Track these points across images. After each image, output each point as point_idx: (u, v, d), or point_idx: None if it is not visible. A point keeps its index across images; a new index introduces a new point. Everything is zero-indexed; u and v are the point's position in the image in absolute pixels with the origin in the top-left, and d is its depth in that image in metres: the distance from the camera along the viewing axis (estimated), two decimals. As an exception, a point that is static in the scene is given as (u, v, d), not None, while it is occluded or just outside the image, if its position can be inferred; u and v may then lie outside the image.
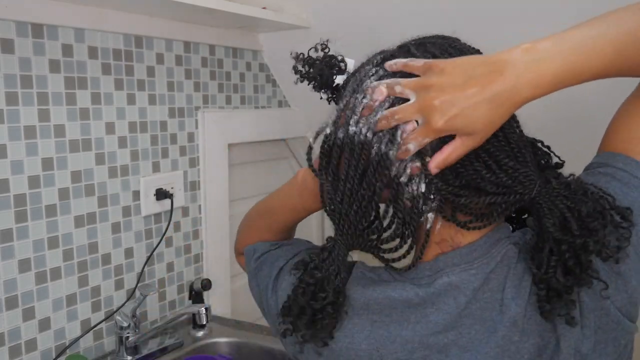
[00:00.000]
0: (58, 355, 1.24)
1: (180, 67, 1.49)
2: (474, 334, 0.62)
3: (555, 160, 0.68)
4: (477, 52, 0.65)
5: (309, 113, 1.86)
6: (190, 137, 1.53)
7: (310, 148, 0.71)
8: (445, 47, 0.64)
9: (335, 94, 0.73)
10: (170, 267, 1.51)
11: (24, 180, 1.16)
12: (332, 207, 0.65)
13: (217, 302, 1.63)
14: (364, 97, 0.63)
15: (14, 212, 1.14)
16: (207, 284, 1.51)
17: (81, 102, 1.25)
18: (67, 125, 1.22)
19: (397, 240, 0.64)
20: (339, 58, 0.71)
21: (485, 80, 0.56)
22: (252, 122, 1.72)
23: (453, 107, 0.56)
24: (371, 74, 0.65)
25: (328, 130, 0.66)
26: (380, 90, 0.61)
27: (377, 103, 0.62)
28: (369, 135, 0.61)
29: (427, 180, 0.61)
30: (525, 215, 0.69)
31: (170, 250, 1.50)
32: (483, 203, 0.60)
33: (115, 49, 1.31)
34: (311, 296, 0.64)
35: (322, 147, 0.67)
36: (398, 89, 0.60)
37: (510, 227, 0.68)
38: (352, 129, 0.63)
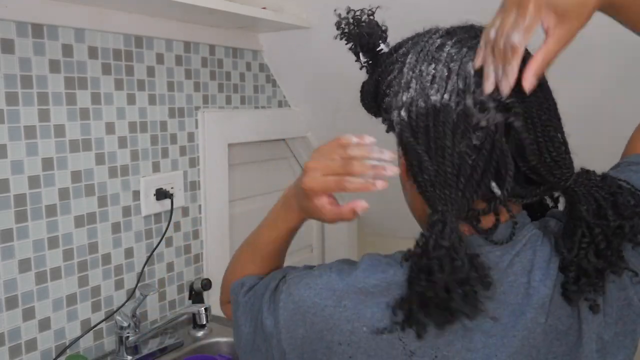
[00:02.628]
0: (58, 355, 1.24)
1: (180, 67, 1.49)
2: (498, 318, 0.62)
3: None
4: None
5: (309, 113, 1.86)
6: (190, 137, 1.53)
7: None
8: None
9: (373, 60, 0.72)
10: (170, 267, 1.51)
11: (24, 180, 1.16)
12: (428, 176, 0.62)
13: (217, 302, 1.62)
14: (437, 66, 0.62)
15: (14, 212, 1.14)
16: (207, 284, 1.51)
17: (81, 102, 1.25)
18: (67, 125, 1.22)
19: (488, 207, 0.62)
20: (384, 27, 0.71)
21: None
22: (252, 122, 1.72)
23: None
24: (437, 43, 0.64)
25: (402, 103, 0.64)
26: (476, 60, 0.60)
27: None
28: (453, 97, 0.60)
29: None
30: (551, 205, 0.71)
31: (170, 250, 1.50)
32: (530, 197, 0.61)
33: (115, 49, 1.31)
34: (450, 269, 0.57)
35: (404, 120, 0.63)
36: (492, 32, 0.58)
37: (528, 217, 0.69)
38: (433, 97, 0.61)
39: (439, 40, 0.64)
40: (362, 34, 0.70)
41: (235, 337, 0.79)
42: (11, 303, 1.15)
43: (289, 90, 1.85)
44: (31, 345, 1.20)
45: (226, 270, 0.90)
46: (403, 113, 0.63)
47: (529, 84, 0.56)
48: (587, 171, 0.62)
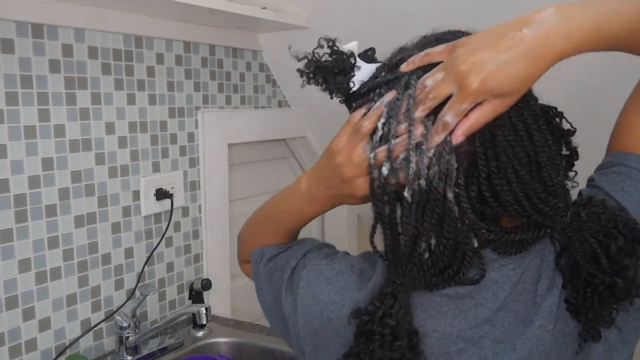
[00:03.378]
0: (58, 355, 1.24)
1: (180, 67, 1.49)
2: (508, 326, 0.62)
3: (567, 126, 0.67)
4: None
5: (309, 113, 1.86)
6: (190, 137, 1.53)
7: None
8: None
9: (347, 98, 0.69)
10: (170, 267, 1.51)
11: (24, 180, 1.16)
12: (393, 252, 0.62)
13: (217, 302, 1.63)
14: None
15: (14, 212, 1.14)
16: (207, 284, 1.51)
17: (81, 102, 1.25)
18: (67, 125, 1.22)
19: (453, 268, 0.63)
20: (348, 53, 0.66)
21: (517, 37, 0.54)
22: (252, 122, 1.72)
23: (488, 65, 0.54)
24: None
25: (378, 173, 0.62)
26: (403, 65, 0.61)
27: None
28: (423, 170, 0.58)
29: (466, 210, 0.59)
30: None
31: (170, 250, 1.50)
32: (513, 239, 0.61)
33: (115, 49, 1.31)
34: (389, 346, 0.61)
35: (377, 195, 0.62)
36: (429, 82, 0.58)
37: None
38: (385, 170, 0.60)
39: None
40: (328, 78, 0.66)
41: (260, 302, 0.82)
42: (11, 303, 1.15)
43: (289, 90, 1.85)
44: (31, 345, 1.19)
45: (244, 229, 0.93)
46: (384, 171, 0.61)
47: (457, 140, 0.57)
48: (578, 211, 0.61)
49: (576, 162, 0.68)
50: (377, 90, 0.64)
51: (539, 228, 0.61)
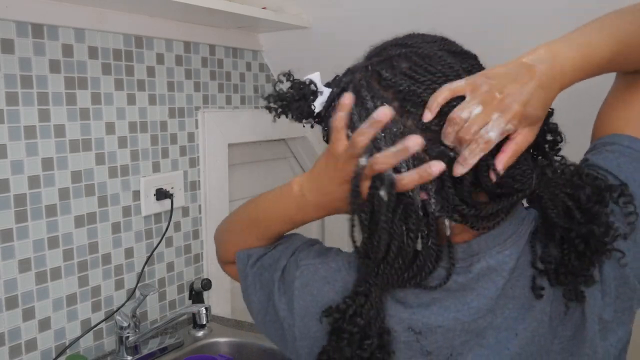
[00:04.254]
0: (58, 355, 1.24)
1: (180, 67, 1.49)
2: (508, 313, 0.63)
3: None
4: (442, 41, 0.65)
5: (309, 113, 1.86)
6: (190, 137, 1.53)
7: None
8: (409, 56, 0.63)
9: (316, 119, 0.71)
10: (170, 267, 1.51)
11: (24, 180, 1.16)
12: (368, 252, 0.62)
13: (217, 302, 1.63)
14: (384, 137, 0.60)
15: (14, 212, 1.14)
16: (207, 284, 1.51)
17: (81, 102, 1.25)
18: (67, 125, 1.22)
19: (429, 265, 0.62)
20: (307, 82, 0.69)
21: (529, 73, 0.58)
22: (252, 122, 1.72)
23: (520, 95, 0.57)
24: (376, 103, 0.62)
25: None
26: (427, 113, 0.59)
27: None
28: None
29: (440, 200, 0.59)
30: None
31: (170, 250, 1.50)
32: (488, 211, 0.60)
33: (115, 49, 1.31)
34: (358, 345, 0.62)
35: (355, 193, 0.61)
36: (464, 114, 0.57)
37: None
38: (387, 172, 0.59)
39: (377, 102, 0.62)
40: (291, 106, 0.68)
41: (247, 305, 0.82)
42: (11, 303, 1.15)
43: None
44: (31, 345, 1.20)
45: (224, 229, 0.90)
46: (362, 161, 0.60)
47: (498, 172, 0.58)
48: (544, 170, 0.61)
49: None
50: (332, 104, 0.66)
51: (511, 194, 0.61)
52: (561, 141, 0.66)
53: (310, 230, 2.07)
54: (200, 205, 1.58)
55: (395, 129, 0.60)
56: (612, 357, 0.64)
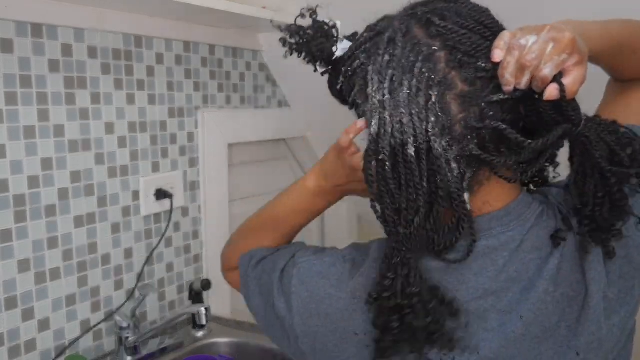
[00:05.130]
0: (57, 356, 1.23)
1: (180, 67, 1.49)
2: (512, 296, 0.63)
3: None
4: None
5: (309, 113, 1.86)
6: (190, 137, 1.53)
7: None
8: (460, 11, 0.62)
9: (332, 66, 0.68)
10: (170, 267, 1.51)
11: (23, 180, 1.15)
12: (392, 209, 0.60)
13: (217, 302, 1.62)
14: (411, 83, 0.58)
15: (13, 212, 1.14)
16: (207, 284, 1.50)
17: (81, 102, 1.25)
18: (67, 125, 1.22)
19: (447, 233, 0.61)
20: (331, 24, 0.67)
21: (564, 24, 0.58)
22: (252, 122, 1.72)
23: (568, 27, 0.57)
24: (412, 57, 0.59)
25: (370, 135, 0.60)
26: (496, 52, 0.58)
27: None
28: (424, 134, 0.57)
29: (465, 153, 0.58)
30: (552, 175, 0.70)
31: (170, 251, 1.50)
32: (552, 139, 0.58)
33: (115, 49, 1.31)
34: (425, 314, 0.61)
35: (372, 159, 0.60)
36: (523, 41, 0.57)
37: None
38: (405, 131, 0.57)
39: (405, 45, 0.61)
40: (310, 43, 0.67)
41: (250, 308, 0.83)
42: (10, 303, 1.15)
43: (289, 90, 1.85)
44: (30, 345, 1.19)
45: (234, 238, 0.93)
46: (373, 130, 0.59)
47: (564, 90, 0.57)
48: (596, 116, 0.61)
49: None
50: (362, 47, 0.64)
51: (558, 126, 0.58)
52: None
53: (310, 230, 2.07)
54: (200, 206, 1.57)
55: (434, 76, 0.58)
56: (616, 340, 0.63)
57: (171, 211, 1.45)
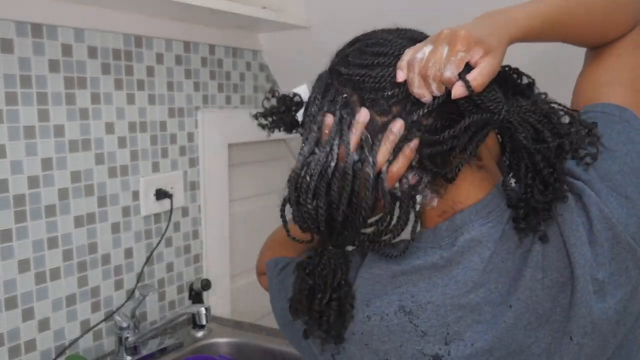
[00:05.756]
0: (57, 356, 1.24)
1: (180, 67, 1.49)
2: (501, 287, 0.64)
3: (525, 80, 0.70)
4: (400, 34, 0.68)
5: (309, 113, 1.86)
6: (190, 137, 1.53)
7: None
8: (361, 48, 0.66)
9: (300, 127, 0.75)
10: (170, 267, 1.51)
11: (23, 180, 1.15)
12: (325, 228, 0.65)
13: (217, 302, 1.62)
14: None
15: (13, 212, 1.14)
16: (207, 284, 1.50)
17: (81, 102, 1.25)
18: (67, 125, 1.22)
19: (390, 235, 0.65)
20: (291, 95, 0.73)
21: (475, 20, 0.63)
22: (252, 122, 1.71)
23: (464, 26, 0.59)
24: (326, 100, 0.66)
25: (303, 160, 0.66)
26: (399, 73, 0.61)
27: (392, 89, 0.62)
28: (355, 156, 0.62)
29: (414, 172, 0.63)
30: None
31: (170, 251, 1.50)
32: (459, 130, 0.60)
33: (115, 49, 1.31)
34: (312, 299, 0.68)
35: (305, 177, 0.65)
36: (419, 55, 0.59)
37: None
38: (334, 152, 0.63)
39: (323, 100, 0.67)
40: (279, 120, 0.76)
41: (274, 311, 0.85)
42: (10, 303, 1.15)
43: (289, 90, 1.84)
44: (30, 345, 1.19)
45: (264, 248, 0.99)
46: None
47: (470, 86, 0.58)
48: (516, 99, 0.62)
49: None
50: (308, 114, 0.69)
51: (481, 115, 0.60)
52: (534, 82, 0.68)
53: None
54: (199, 206, 1.57)
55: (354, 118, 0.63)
56: (613, 323, 0.63)
57: (171, 211, 1.45)
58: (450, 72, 0.57)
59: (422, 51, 0.59)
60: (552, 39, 0.70)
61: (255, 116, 0.76)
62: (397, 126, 0.61)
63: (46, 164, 1.19)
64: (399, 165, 0.62)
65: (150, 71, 1.40)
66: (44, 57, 1.17)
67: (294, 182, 0.64)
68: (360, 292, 0.69)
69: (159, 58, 1.43)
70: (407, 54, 0.61)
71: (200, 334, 1.47)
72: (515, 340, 0.63)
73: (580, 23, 0.69)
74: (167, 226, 1.45)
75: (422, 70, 0.58)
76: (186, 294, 1.55)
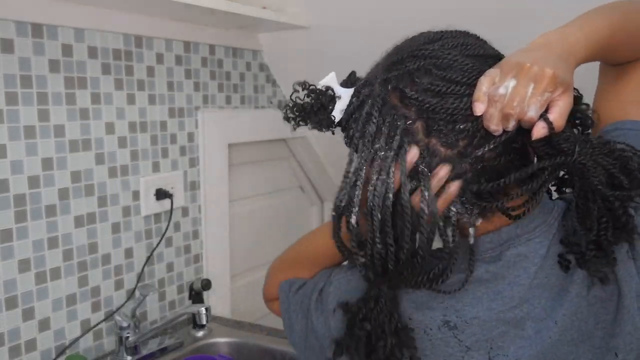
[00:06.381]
0: (58, 356, 1.24)
1: (180, 67, 1.49)
2: (545, 302, 0.63)
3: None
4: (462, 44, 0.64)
5: (309, 113, 1.86)
6: (190, 137, 1.53)
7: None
8: (429, 69, 0.61)
9: (337, 126, 0.69)
10: (170, 267, 1.51)
11: (23, 180, 1.15)
12: (385, 264, 0.61)
13: (217, 302, 1.63)
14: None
15: (13, 212, 1.14)
16: (207, 284, 1.51)
17: (81, 102, 1.25)
18: (67, 125, 1.22)
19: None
20: (324, 89, 0.67)
21: (546, 48, 0.59)
22: (252, 122, 1.72)
23: (548, 61, 0.57)
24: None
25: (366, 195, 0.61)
26: (478, 105, 0.58)
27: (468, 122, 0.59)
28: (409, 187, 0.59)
29: (461, 205, 0.60)
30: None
31: (170, 250, 1.50)
32: (526, 175, 0.58)
33: (115, 49, 1.31)
34: (369, 347, 0.64)
35: (370, 215, 0.60)
36: (502, 90, 0.57)
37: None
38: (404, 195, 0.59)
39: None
40: (310, 117, 0.68)
41: (289, 335, 0.82)
42: (11, 303, 1.15)
43: (289, 90, 1.84)
44: (31, 345, 1.19)
45: (273, 270, 0.93)
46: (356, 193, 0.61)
47: (552, 125, 0.57)
48: (587, 138, 0.60)
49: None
50: (352, 116, 0.65)
51: (552, 159, 0.58)
52: (592, 123, 0.65)
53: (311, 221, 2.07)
54: (200, 206, 1.58)
55: (422, 152, 0.60)
56: None
57: (171, 211, 1.45)
58: (535, 113, 0.56)
59: (505, 86, 0.56)
60: (599, 60, 0.70)
61: (285, 110, 0.69)
62: (443, 172, 0.59)
63: (46, 163, 1.19)
64: (443, 201, 0.59)
65: (150, 71, 1.40)
66: (44, 57, 1.17)
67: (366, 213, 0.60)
68: (402, 306, 0.67)
69: (159, 58, 1.43)
70: (484, 84, 0.58)
71: (200, 333, 1.47)
72: (558, 356, 0.63)
73: (623, 43, 0.68)
74: (167, 226, 1.45)
75: (505, 107, 0.56)
76: (186, 294, 1.55)
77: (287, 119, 0.69)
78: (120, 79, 1.33)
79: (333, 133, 0.69)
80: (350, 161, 0.62)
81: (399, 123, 0.60)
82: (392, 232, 0.59)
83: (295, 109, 0.68)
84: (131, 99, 1.36)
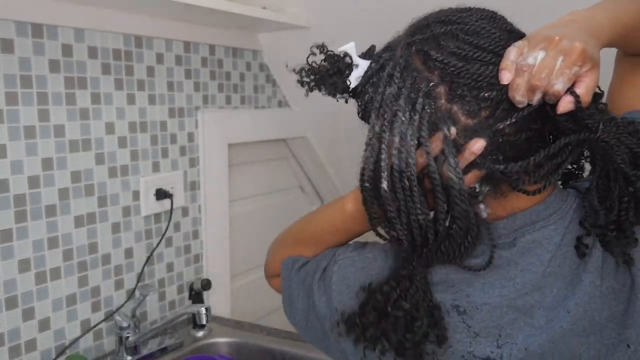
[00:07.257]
0: (58, 356, 1.24)
1: (180, 67, 1.49)
2: (557, 291, 0.62)
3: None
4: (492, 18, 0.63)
5: (309, 113, 1.86)
6: (190, 137, 1.53)
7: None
8: (456, 34, 0.60)
9: (351, 94, 0.68)
10: (170, 267, 1.51)
11: (23, 180, 1.15)
12: (404, 239, 0.61)
13: (217, 302, 1.63)
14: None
15: (13, 212, 1.14)
16: (207, 284, 1.51)
17: (81, 102, 1.25)
18: (67, 125, 1.22)
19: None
20: (342, 54, 0.65)
21: (575, 24, 0.58)
22: (252, 122, 1.72)
23: (577, 35, 0.56)
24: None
25: (382, 164, 0.59)
26: (505, 74, 0.56)
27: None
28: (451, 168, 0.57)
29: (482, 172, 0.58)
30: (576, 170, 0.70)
31: (170, 250, 1.50)
32: (549, 153, 0.58)
33: (115, 49, 1.31)
34: (405, 329, 0.62)
35: (392, 183, 0.59)
36: (530, 60, 0.56)
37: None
38: (431, 162, 0.57)
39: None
40: (325, 80, 0.66)
41: (289, 313, 0.81)
42: (11, 303, 1.15)
43: (289, 90, 1.85)
44: (31, 345, 1.19)
45: (273, 248, 0.91)
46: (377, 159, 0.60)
47: (579, 99, 0.56)
48: (613, 117, 0.59)
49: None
50: (370, 81, 0.64)
51: (575, 135, 0.58)
52: (602, 93, 0.64)
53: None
54: (200, 206, 1.58)
55: (439, 114, 0.58)
56: None
57: (171, 211, 1.45)
58: (562, 86, 0.55)
59: (533, 56, 0.55)
60: (619, 47, 0.69)
61: (300, 72, 0.68)
62: (478, 147, 0.57)
63: (46, 163, 1.19)
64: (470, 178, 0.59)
65: (150, 71, 1.40)
66: (44, 57, 1.17)
67: (392, 176, 0.58)
68: None
69: (159, 58, 1.43)
70: (511, 53, 0.57)
71: (200, 333, 1.47)
72: (568, 346, 0.62)
73: None
74: (167, 226, 1.45)
75: (533, 79, 0.55)
76: (186, 294, 1.55)
77: (301, 83, 0.68)
78: (120, 79, 1.33)
79: (346, 101, 0.68)
80: (373, 126, 0.60)
81: (421, 86, 0.58)
82: (425, 201, 0.58)
83: (310, 72, 0.67)
84: (131, 99, 1.36)
